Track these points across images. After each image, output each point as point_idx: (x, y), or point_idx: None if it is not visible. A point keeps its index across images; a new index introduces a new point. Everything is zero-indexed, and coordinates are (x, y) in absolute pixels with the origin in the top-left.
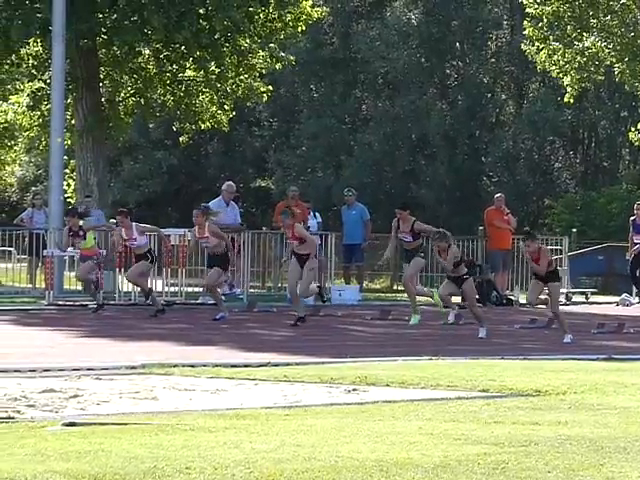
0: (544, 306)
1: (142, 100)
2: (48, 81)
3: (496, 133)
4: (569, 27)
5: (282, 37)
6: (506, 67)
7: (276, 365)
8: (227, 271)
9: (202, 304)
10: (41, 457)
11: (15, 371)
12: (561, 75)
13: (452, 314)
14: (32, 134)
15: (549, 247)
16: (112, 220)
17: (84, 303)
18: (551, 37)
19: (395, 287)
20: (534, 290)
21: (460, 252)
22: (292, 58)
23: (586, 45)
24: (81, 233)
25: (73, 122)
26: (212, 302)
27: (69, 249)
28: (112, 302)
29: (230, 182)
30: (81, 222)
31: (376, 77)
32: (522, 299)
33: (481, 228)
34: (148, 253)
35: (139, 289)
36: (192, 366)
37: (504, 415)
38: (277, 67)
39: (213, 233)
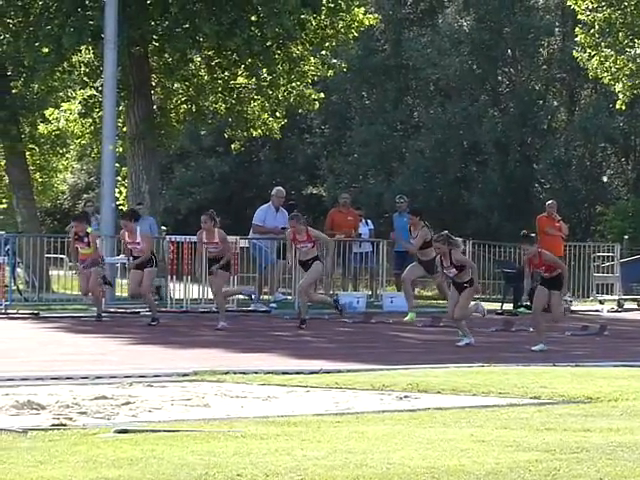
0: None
1: (194, 107)
2: (100, 88)
3: (548, 140)
4: (621, 34)
5: (334, 44)
6: (558, 74)
7: (328, 372)
8: (231, 274)
9: (254, 311)
10: (93, 464)
11: (67, 378)
12: (613, 82)
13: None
14: (84, 141)
15: (601, 254)
16: (163, 227)
17: (136, 310)
18: (603, 44)
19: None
20: (540, 297)
21: (467, 258)
22: (344, 65)
23: (638, 52)
24: (85, 240)
25: (125, 129)
26: (264, 309)
27: (121, 256)
28: (164, 309)
29: (279, 187)
30: (89, 229)
31: (428, 84)
32: (574, 306)
33: (533, 235)
34: (152, 255)
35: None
36: (244, 373)
37: (555, 422)
38: (329, 74)
39: (222, 240)
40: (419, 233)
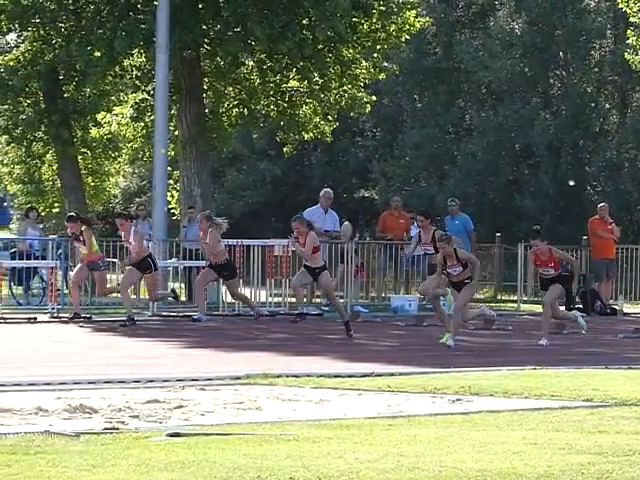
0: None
1: (246, 111)
2: (152, 92)
3: (600, 142)
4: None
5: (385, 47)
6: (609, 76)
7: (380, 375)
8: (237, 277)
9: (305, 314)
10: (145, 468)
11: (119, 382)
12: None
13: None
14: (136, 145)
15: None
16: None
17: (187, 314)
18: None
19: (499, 297)
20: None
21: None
22: (396, 68)
23: None
24: (81, 238)
25: (177, 133)
26: (315, 312)
27: (173, 259)
28: (216, 313)
29: (327, 188)
30: (83, 228)
31: (479, 87)
32: (626, 308)
33: (585, 238)
34: (149, 258)
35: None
36: (296, 376)
37: (608, 424)
38: (381, 77)
39: (213, 241)
40: (458, 255)
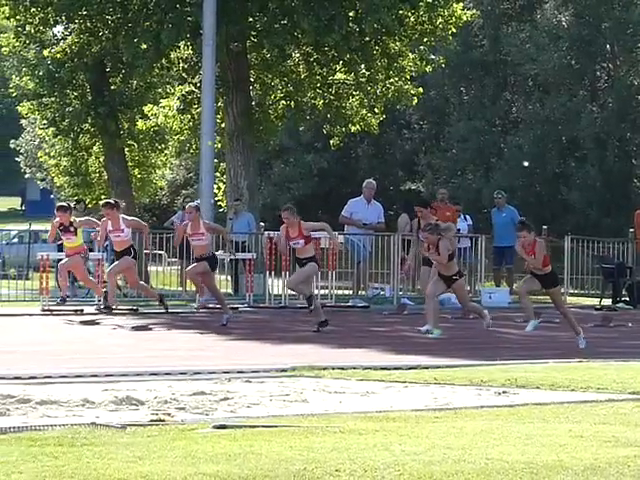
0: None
1: (292, 103)
2: (198, 84)
3: None
4: None
5: (432, 40)
6: None
7: (426, 368)
8: (214, 271)
9: (352, 306)
10: (191, 460)
11: (166, 374)
12: None
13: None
14: (182, 137)
15: None
16: (261, 223)
17: (234, 306)
18: None
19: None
20: (528, 283)
21: (453, 247)
22: (442, 60)
23: None
24: (72, 229)
25: (223, 125)
26: (362, 305)
27: (219, 252)
28: (262, 305)
29: (370, 179)
30: (73, 219)
31: (526, 79)
32: None
33: (631, 230)
34: (131, 248)
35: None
36: (342, 368)
37: None
38: (427, 69)
39: (209, 229)
40: (440, 246)
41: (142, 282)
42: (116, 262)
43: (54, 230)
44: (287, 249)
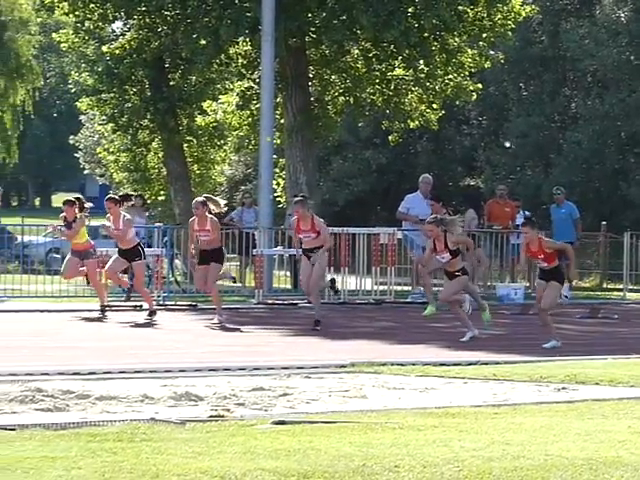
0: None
1: (351, 99)
2: (257, 80)
3: None
4: None
5: (491, 36)
6: None
7: (485, 364)
8: (223, 264)
9: (411, 303)
10: (251, 455)
11: (225, 369)
12: None
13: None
14: (241, 133)
15: None
16: (320, 219)
17: (294, 302)
18: None
19: (605, 285)
20: (540, 289)
21: (463, 242)
22: (501, 56)
23: None
24: (74, 225)
25: (282, 121)
26: (421, 301)
27: (279, 247)
28: (321, 301)
29: (426, 174)
30: (79, 215)
31: (585, 75)
32: None
33: (534, 220)
34: (138, 247)
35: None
36: (401, 364)
37: None
38: (486, 65)
39: (213, 228)
40: (447, 240)
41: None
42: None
43: (55, 228)
44: (297, 241)
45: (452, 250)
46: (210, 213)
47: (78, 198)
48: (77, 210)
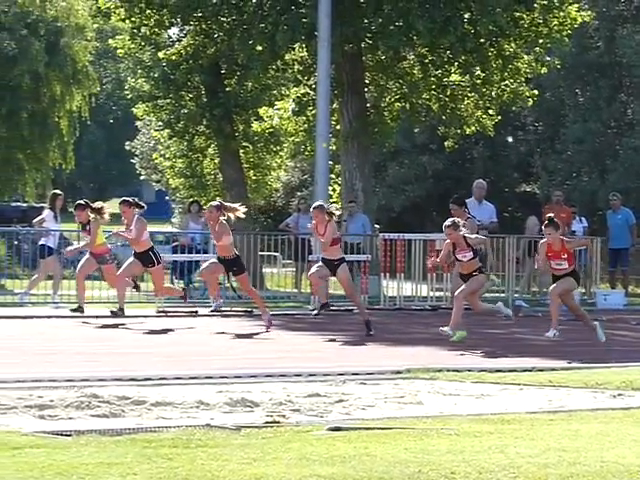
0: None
1: (407, 105)
2: (313, 86)
3: None
4: None
5: (548, 41)
6: None
7: (541, 370)
8: (246, 273)
9: (467, 309)
10: (306, 461)
11: (281, 375)
12: None
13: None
14: (297, 139)
15: None
16: (376, 225)
17: (349, 308)
18: None
19: None
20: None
21: (480, 244)
22: (557, 62)
23: None
24: (88, 228)
25: (338, 127)
26: (466, 307)
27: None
28: (377, 307)
29: (480, 179)
30: (92, 217)
31: None
32: None
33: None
34: (150, 252)
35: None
36: (457, 371)
37: None
38: (542, 71)
39: (221, 232)
40: (467, 242)
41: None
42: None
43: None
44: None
45: (474, 249)
46: (233, 216)
47: (86, 201)
48: (89, 213)
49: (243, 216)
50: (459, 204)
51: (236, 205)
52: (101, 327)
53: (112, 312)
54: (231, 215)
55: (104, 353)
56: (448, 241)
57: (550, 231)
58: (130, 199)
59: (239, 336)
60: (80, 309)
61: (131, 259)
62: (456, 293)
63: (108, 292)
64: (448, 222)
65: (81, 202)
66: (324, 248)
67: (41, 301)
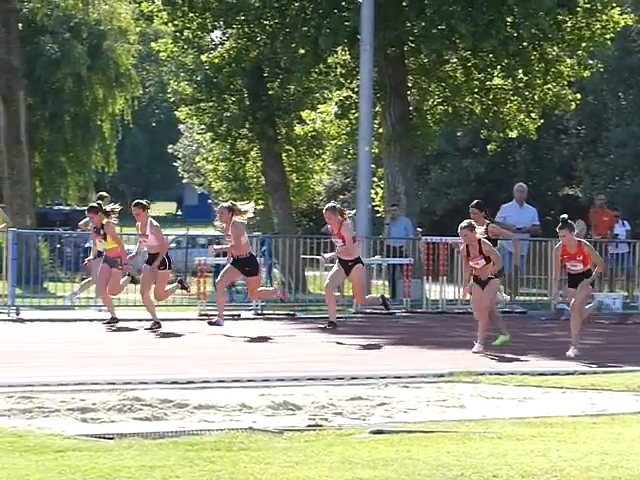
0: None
1: (450, 108)
2: (356, 89)
3: None
4: None
5: (590, 45)
6: None
7: (583, 373)
8: (257, 274)
9: (509, 312)
10: (349, 465)
11: (323, 379)
12: None
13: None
14: (340, 143)
15: None
16: (418, 228)
17: (391, 311)
18: None
19: None
20: (572, 296)
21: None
22: (600, 65)
23: None
24: (102, 232)
25: (381, 130)
26: (519, 310)
27: (377, 257)
28: (419, 310)
29: (521, 183)
30: (105, 220)
31: None
32: None
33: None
34: (165, 256)
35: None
36: (499, 374)
37: None
38: (585, 75)
39: (235, 235)
40: (482, 246)
41: (171, 286)
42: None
43: (94, 234)
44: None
45: (486, 256)
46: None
47: (99, 204)
48: (103, 216)
49: (252, 215)
50: (480, 208)
51: (247, 207)
52: (143, 330)
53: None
54: (240, 218)
55: (146, 356)
56: (462, 247)
57: (565, 233)
58: (143, 201)
59: (281, 339)
60: (114, 320)
61: (228, 266)
62: (477, 309)
63: (152, 295)
64: (464, 223)
65: (93, 205)
66: (342, 250)
67: (83, 304)
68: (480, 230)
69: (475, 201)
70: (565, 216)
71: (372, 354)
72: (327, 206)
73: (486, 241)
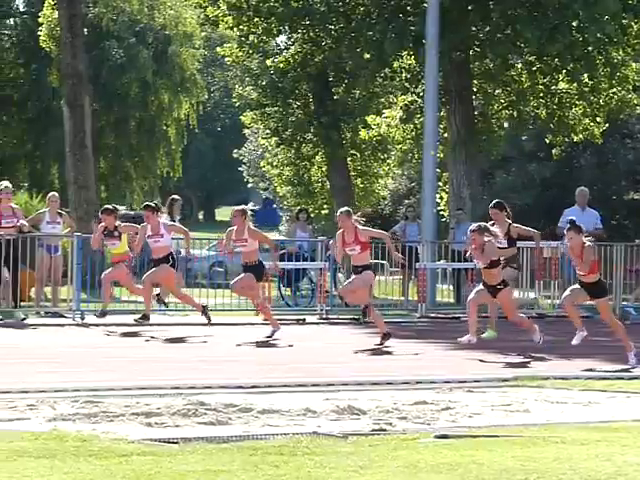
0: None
1: (515, 113)
2: (421, 94)
3: None
4: None
5: None
6: None
7: None
8: (261, 282)
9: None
10: (413, 469)
11: (388, 383)
12: None
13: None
14: (405, 147)
15: None
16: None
17: (456, 316)
18: None
19: None
20: (574, 295)
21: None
22: None
23: None
24: (116, 234)
25: (446, 135)
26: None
27: (442, 261)
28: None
29: (582, 187)
30: (118, 223)
31: None
32: None
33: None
34: (170, 257)
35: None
36: (564, 378)
37: None
38: None
39: (252, 236)
40: (486, 248)
41: (184, 292)
42: (154, 269)
43: (99, 234)
44: (341, 256)
45: (493, 260)
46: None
47: (114, 206)
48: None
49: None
50: (500, 208)
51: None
52: (209, 334)
53: (135, 320)
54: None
55: (211, 361)
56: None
57: (572, 235)
58: (153, 204)
59: (346, 344)
60: (145, 317)
61: (242, 275)
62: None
63: (217, 300)
64: (474, 226)
65: (108, 207)
66: (355, 258)
67: (155, 308)
68: (494, 231)
69: (495, 200)
70: (573, 218)
71: (437, 359)
72: (342, 209)
73: (490, 245)
